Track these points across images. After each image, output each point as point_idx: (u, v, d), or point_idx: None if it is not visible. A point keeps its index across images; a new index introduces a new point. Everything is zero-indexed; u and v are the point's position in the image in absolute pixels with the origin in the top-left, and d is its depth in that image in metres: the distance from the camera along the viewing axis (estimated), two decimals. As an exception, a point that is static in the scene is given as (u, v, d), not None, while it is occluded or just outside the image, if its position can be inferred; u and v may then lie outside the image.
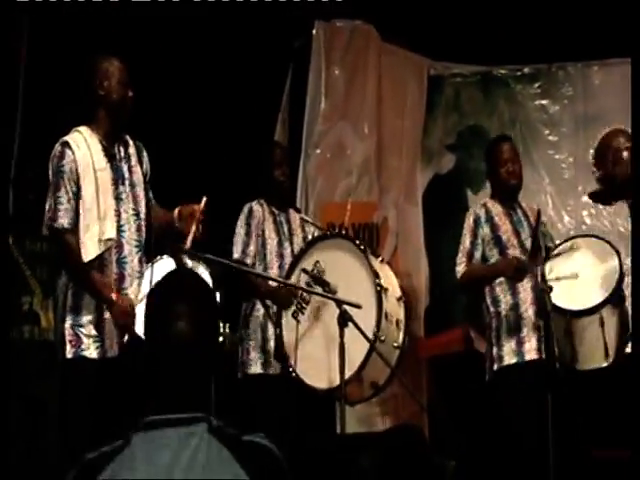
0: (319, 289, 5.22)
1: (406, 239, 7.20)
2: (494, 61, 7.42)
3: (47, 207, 4.43)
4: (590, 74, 7.34)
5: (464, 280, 5.51)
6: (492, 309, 5.47)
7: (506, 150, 5.64)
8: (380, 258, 5.47)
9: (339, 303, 4.91)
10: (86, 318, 4.39)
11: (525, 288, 5.38)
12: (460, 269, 5.50)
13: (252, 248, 5.54)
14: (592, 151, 5.77)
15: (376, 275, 5.14)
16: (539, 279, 5.14)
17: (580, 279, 5.31)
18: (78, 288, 4.40)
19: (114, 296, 4.38)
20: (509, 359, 5.34)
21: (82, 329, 4.38)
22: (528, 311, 5.37)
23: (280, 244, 5.61)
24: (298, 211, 6.05)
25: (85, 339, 4.38)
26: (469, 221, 5.57)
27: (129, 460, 2.53)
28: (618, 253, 5.34)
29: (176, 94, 6.77)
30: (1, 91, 6.37)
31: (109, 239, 4.41)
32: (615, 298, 5.26)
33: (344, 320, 4.83)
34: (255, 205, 5.64)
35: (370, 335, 4.95)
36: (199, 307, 2.61)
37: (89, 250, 4.37)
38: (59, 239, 4.41)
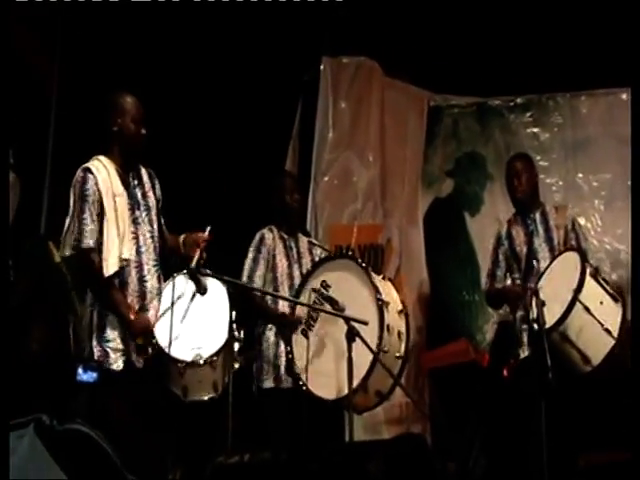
0: (328, 307, 5.29)
1: (409, 258, 7.28)
2: (489, 93, 7.52)
3: (70, 229, 4.52)
4: (578, 104, 7.42)
5: (486, 299, 5.95)
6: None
7: (513, 167, 5.77)
8: (382, 275, 5.56)
9: (347, 320, 4.98)
10: (112, 334, 4.49)
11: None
12: (483, 289, 5.90)
13: (259, 274, 5.62)
14: None
15: (377, 290, 5.23)
16: (533, 295, 5.16)
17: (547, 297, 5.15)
18: (101, 307, 4.50)
19: (132, 316, 4.47)
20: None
21: (109, 344, 4.48)
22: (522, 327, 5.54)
23: (290, 267, 5.70)
24: (307, 234, 6.14)
25: (112, 353, 4.48)
26: (493, 241, 5.81)
27: None
28: (583, 266, 5.13)
29: (191, 124, 6.91)
30: (33, 120, 6.47)
31: (126, 259, 4.52)
32: (569, 313, 5.07)
33: (352, 336, 4.91)
34: (266, 232, 5.73)
35: (373, 347, 5.03)
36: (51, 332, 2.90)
37: (109, 267, 4.47)
38: (85, 258, 4.49)
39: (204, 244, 4.65)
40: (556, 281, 5.22)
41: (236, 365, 5.34)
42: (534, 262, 5.57)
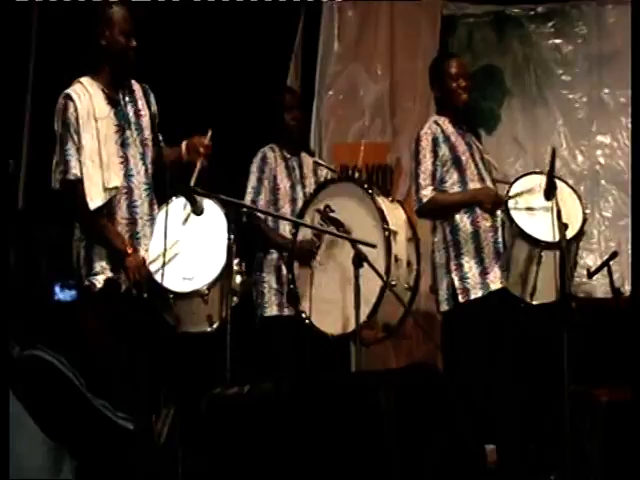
0: (333, 229, 5.22)
1: (419, 180, 7.17)
2: (507, 0, 7.38)
3: (56, 160, 4.45)
4: (604, 13, 7.25)
5: (432, 205, 5.26)
6: (450, 237, 5.28)
7: (458, 65, 5.48)
8: (390, 198, 5.47)
9: (354, 243, 4.91)
10: (99, 266, 4.44)
11: (486, 216, 5.28)
12: (427, 193, 5.25)
13: (262, 196, 5.57)
14: None
15: (384, 220, 5.13)
16: (555, 216, 5.01)
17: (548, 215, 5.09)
18: (91, 241, 4.45)
19: (129, 249, 4.42)
20: (476, 293, 5.22)
21: (98, 277, 4.43)
22: (487, 238, 5.26)
23: (292, 188, 5.64)
24: (312, 154, 6.06)
25: (99, 284, 4.43)
26: (427, 140, 5.32)
27: None
28: (579, 197, 5.35)
29: (188, 38, 6.80)
30: (13, 36, 6.38)
31: (114, 187, 4.44)
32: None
33: (359, 260, 4.85)
34: (268, 151, 5.66)
35: (383, 277, 4.97)
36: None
37: (94, 198, 4.39)
38: (73, 190, 4.41)
39: (206, 150, 4.58)
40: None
41: (235, 299, 5.25)
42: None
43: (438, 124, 5.37)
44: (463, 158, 5.32)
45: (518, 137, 7.28)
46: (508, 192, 5.24)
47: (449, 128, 5.38)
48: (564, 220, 5.03)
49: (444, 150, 5.29)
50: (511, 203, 5.18)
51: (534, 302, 5.19)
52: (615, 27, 7.19)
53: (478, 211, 5.26)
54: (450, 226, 5.28)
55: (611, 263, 6.37)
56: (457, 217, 5.26)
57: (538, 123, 7.27)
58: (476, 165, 5.36)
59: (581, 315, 5.26)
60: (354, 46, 7.18)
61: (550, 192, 5.16)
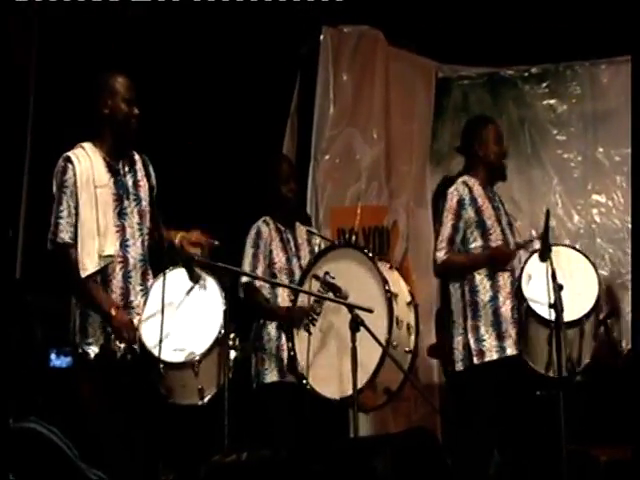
0: (331, 295, 5.30)
1: (417, 241, 7.25)
2: (501, 62, 7.52)
3: (51, 221, 4.52)
4: (598, 72, 7.43)
5: (446, 267, 5.37)
6: (468, 298, 5.36)
7: (496, 129, 5.56)
8: (388, 265, 5.49)
9: (351, 308, 4.98)
10: (94, 336, 4.50)
11: (505, 282, 5.35)
12: (441, 255, 5.35)
13: (260, 271, 5.59)
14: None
15: (385, 281, 5.21)
16: (550, 278, 5.10)
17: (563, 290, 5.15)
18: (82, 305, 4.52)
19: (113, 311, 4.46)
20: (491, 355, 5.28)
21: (91, 347, 4.50)
22: (506, 304, 5.32)
23: (288, 261, 5.67)
24: (308, 220, 6.11)
25: (92, 354, 4.50)
26: (452, 202, 5.37)
27: None
28: (595, 267, 5.36)
29: (182, 104, 6.91)
30: (11, 103, 6.49)
31: (109, 255, 4.51)
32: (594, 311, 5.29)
33: (356, 325, 4.90)
34: (262, 225, 5.69)
35: (382, 342, 5.01)
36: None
37: (86, 265, 4.46)
38: (61, 253, 4.49)
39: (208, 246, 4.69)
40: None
41: (230, 374, 5.27)
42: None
43: (467, 185, 5.42)
44: (489, 222, 5.38)
45: (514, 197, 7.32)
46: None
47: (478, 190, 5.42)
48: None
49: (470, 212, 5.36)
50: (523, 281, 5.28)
51: (550, 375, 5.23)
52: (609, 87, 7.37)
53: (500, 278, 5.34)
54: (469, 286, 5.36)
55: (608, 321, 6.47)
56: (477, 279, 5.34)
57: (533, 183, 7.43)
58: (502, 230, 5.42)
59: (579, 374, 5.32)
60: (350, 110, 7.27)
61: (545, 253, 5.23)
